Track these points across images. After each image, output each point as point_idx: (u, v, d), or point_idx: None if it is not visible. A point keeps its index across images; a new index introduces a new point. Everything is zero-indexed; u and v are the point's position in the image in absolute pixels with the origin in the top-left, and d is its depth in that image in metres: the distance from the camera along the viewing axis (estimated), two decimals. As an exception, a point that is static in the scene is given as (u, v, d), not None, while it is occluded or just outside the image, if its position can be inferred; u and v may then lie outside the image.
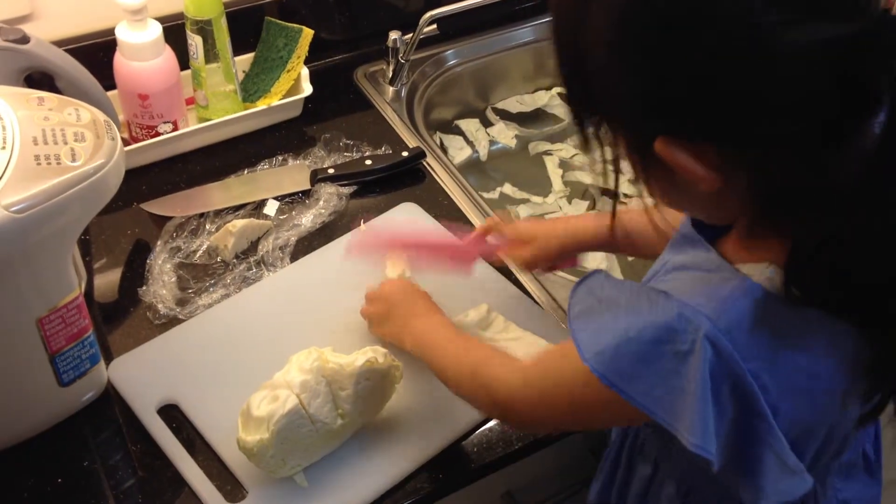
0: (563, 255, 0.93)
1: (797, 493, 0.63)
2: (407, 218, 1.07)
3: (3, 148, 0.70)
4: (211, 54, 1.10)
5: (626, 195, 1.30)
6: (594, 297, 0.65)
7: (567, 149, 1.38)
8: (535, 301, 0.99)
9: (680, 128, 0.57)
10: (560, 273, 1.02)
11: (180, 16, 1.09)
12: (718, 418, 0.60)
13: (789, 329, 0.61)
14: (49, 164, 0.70)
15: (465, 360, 0.78)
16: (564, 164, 1.36)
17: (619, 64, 0.57)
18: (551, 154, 1.37)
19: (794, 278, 0.59)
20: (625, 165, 0.63)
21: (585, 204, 1.29)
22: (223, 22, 1.09)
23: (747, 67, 0.53)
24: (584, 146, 0.63)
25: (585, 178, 1.33)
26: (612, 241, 0.91)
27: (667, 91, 0.56)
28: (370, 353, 0.81)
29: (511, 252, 0.95)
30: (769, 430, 0.61)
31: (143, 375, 0.89)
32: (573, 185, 1.33)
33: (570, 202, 1.30)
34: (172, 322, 0.94)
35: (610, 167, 0.63)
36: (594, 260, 1.19)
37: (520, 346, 0.91)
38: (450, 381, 0.80)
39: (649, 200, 0.65)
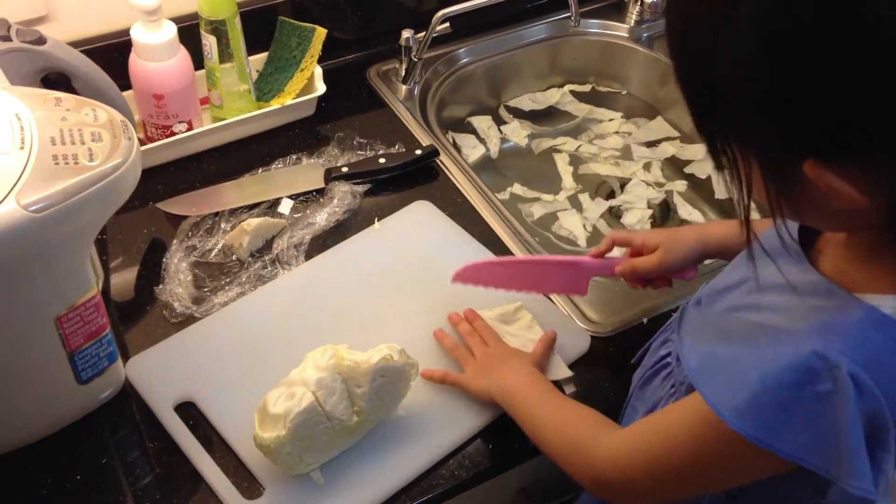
0: (686, 263, 0.89)
1: None
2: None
3: (22, 148, 0.71)
4: (225, 54, 1.11)
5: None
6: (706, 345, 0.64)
7: (571, 142, 1.37)
8: (553, 302, 0.99)
9: (828, 150, 0.53)
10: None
11: (195, 16, 1.10)
12: None
13: None
14: (67, 163, 0.71)
15: (565, 437, 0.77)
16: (575, 159, 1.35)
17: (763, 86, 0.53)
18: (560, 151, 1.36)
19: None
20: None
21: (607, 203, 1.28)
22: (237, 22, 1.10)
23: None
24: (717, 166, 0.60)
25: (600, 168, 1.33)
26: (737, 251, 0.82)
27: (815, 111, 0.52)
28: (385, 351, 0.81)
29: (633, 262, 0.90)
30: (889, 462, 0.60)
31: (160, 373, 0.89)
32: (586, 177, 1.32)
33: (592, 198, 1.29)
34: (189, 320, 0.95)
35: (744, 185, 0.59)
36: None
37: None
38: (546, 452, 0.79)
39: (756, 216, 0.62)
